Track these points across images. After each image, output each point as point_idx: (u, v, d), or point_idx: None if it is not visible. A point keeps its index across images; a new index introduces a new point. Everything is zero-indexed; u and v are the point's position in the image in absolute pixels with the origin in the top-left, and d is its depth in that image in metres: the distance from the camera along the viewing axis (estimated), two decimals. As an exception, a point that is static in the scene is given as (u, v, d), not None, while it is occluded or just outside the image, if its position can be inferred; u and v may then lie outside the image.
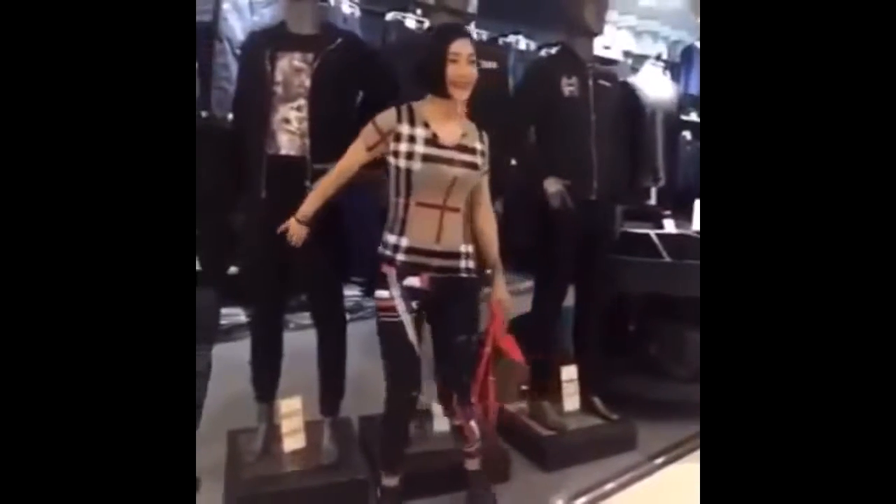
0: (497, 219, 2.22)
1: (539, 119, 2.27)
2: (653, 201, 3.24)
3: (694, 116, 5.69)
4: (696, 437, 2.54)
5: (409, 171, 1.61)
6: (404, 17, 4.06)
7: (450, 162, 1.63)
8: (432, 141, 1.62)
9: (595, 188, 2.26)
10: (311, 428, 2.04)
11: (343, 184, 1.74)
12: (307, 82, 1.84)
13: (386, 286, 1.64)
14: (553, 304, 2.37)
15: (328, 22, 2.06)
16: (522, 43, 4.66)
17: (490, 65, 2.14)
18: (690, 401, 2.62)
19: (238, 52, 3.43)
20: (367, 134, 1.66)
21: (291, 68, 1.85)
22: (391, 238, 1.66)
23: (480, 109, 2.01)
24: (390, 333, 1.65)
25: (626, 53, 5.31)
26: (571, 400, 2.44)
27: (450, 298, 1.68)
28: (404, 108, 1.65)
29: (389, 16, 4.02)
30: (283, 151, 1.84)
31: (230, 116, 2.15)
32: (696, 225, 3.04)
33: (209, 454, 1.92)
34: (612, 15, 3.98)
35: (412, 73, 1.69)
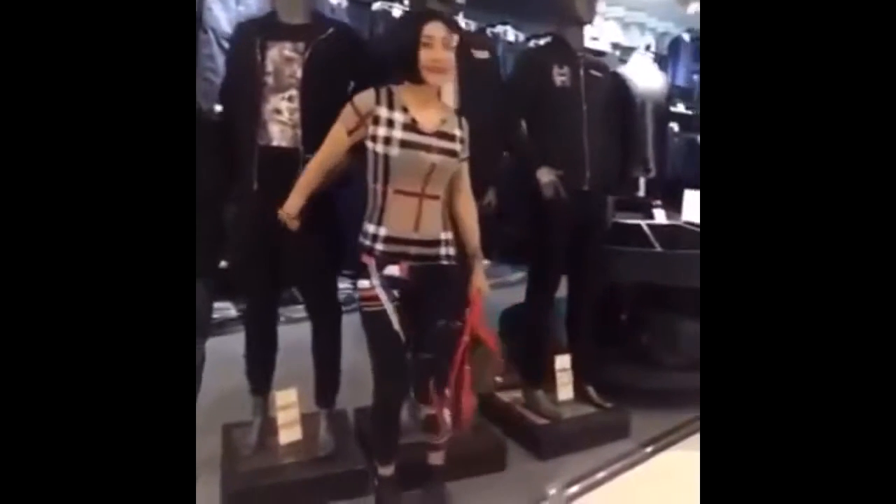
0: (490, 210, 2.24)
1: (531, 109, 2.26)
2: (641, 192, 3.26)
3: (681, 108, 5.73)
4: (688, 424, 2.58)
5: (386, 157, 1.59)
6: (391, 7, 4.04)
7: (428, 148, 1.61)
8: (411, 126, 1.60)
9: (588, 178, 2.27)
10: (306, 420, 2.04)
11: (328, 172, 1.71)
12: (298, 72, 1.82)
13: (367, 276, 1.62)
14: (546, 294, 2.37)
15: (319, 11, 2.03)
16: (510, 34, 4.66)
17: (482, 54, 2.14)
18: (682, 389, 2.68)
19: (223, 42, 3.41)
20: (347, 116, 1.63)
21: (282, 58, 1.83)
22: (370, 228, 1.64)
23: (473, 99, 2.02)
24: (375, 323, 1.63)
25: (614, 45, 5.33)
26: (565, 389, 2.46)
27: (429, 286, 1.66)
28: (384, 90, 1.62)
29: (376, 5, 4.00)
30: (275, 143, 1.82)
31: (216, 108, 2.12)
32: (685, 215, 3.06)
33: (204, 448, 1.90)
34: (600, 6, 3.98)
35: (388, 58, 1.67)
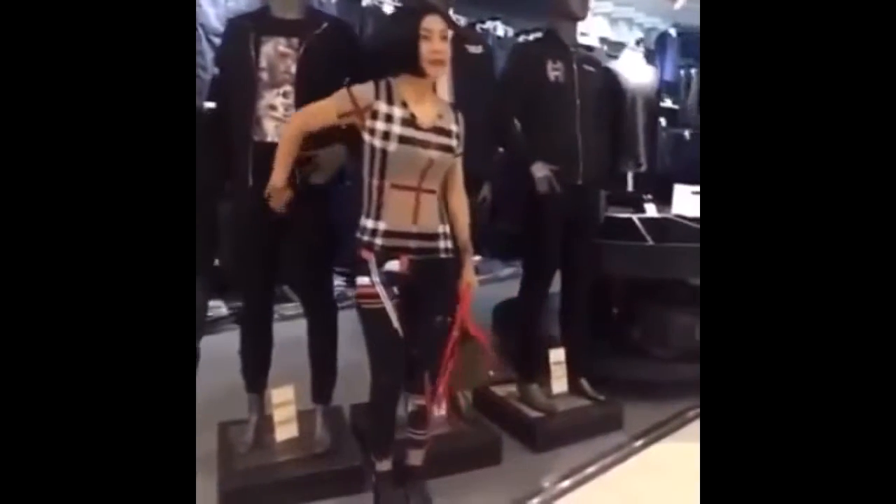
0: (485, 204, 2.25)
1: (525, 104, 2.27)
2: (629, 186, 3.29)
3: (668, 103, 5.78)
4: (680, 415, 2.62)
5: (384, 152, 1.58)
6: (381, 3, 4.02)
7: (426, 144, 1.60)
8: (410, 122, 1.59)
9: (581, 173, 2.28)
10: (302, 417, 2.04)
11: (304, 140, 1.69)
12: (293, 68, 1.81)
13: (366, 272, 1.61)
14: (540, 288, 2.39)
15: (312, 6, 2.02)
16: (500, 29, 4.66)
17: (476, 49, 2.14)
18: (673, 380, 2.72)
19: (212, 38, 3.38)
20: (341, 100, 1.61)
21: (276, 54, 1.82)
22: (368, 223, 1.63)
23: (467, 94, 2.02)
24: (374, 320, 1.62)
25: (603, 40, 5.35)
26: (559, 382, 2.48)
27: (429, 280, 1.66)
28: (383, 84, 1.61)
29: (366, 1, 3.98)
30: (270, 138, 1.81)
31: (206, 104, 2.10)
32: (676, 208, 3.09)
33: (200, 446, 1.89)
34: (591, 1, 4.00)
35: (385, 52, 1.67)
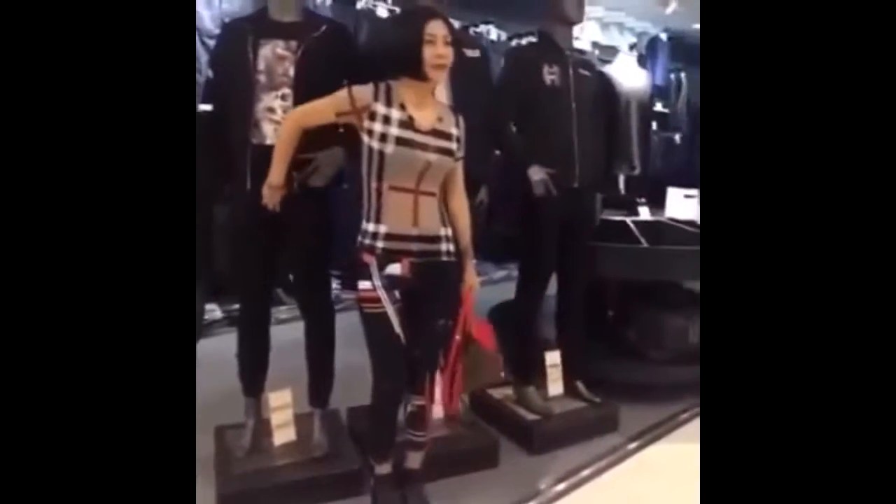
0: (482, 208, 2.26)
1: (521, 107, 2.28)
2: (621, 189, 3.31)
3: (659, 107, 5.83)
4: (676, 416, 2.64)
5: (381, 154, 1.58)
6: (375, 6, 4.03)
7: (424, 147, 1.61)
8: (408, 124, 1.60)
9: (578, 176, 2.30)
10: (299, 420, 2.03)
11: (300, 138, 1.69)
12: (291, 70, 1.81)
13: (368, 276, 1.61)
14: (537, 291, 2.40)
15: (310, 9, 2.02)
16: (493, 33, 4.68)
17: (473, 53, 2.15)
18: (669, 382, 2.74)
19: (206, 41, 3.37)
20: (341, 100, 1.61)
21: (274, 56, 1.81)
22: (369, 226, 1.63)
23: (464, 97, 2.03)
24: (375, 325, 1.63)
25: (594, 44, 5.39)
26: (555, 385, 2.49)
27: (431, 284, 1.66)
28: (382, 85, 1.62)
29: (360, 4, 3.98)
30: (268, 141, 1.80)
31: (200, 106, 2.09)
32: (669, 211, 3.11)
33: (197, 450, 1.89)
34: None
35: (386, 55, 1.67)
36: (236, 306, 2.64)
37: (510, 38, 4.67)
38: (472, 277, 1.77)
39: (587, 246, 2.47)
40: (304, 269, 1.95)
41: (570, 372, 2.51)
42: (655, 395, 2.71)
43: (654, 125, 5.21)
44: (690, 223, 2.95)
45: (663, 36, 5.90)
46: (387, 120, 1.59)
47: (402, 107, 1.61)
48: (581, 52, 4.04)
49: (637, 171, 3.19)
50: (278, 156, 1.70)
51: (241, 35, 1.83)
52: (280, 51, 1.81)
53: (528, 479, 2.11)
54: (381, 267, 1.61)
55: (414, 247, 1.63)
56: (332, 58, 1.86)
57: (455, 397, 1.77)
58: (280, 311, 3.18)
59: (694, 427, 2.58)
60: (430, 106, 1.66)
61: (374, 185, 1.62)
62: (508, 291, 2.55)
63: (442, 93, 1.97)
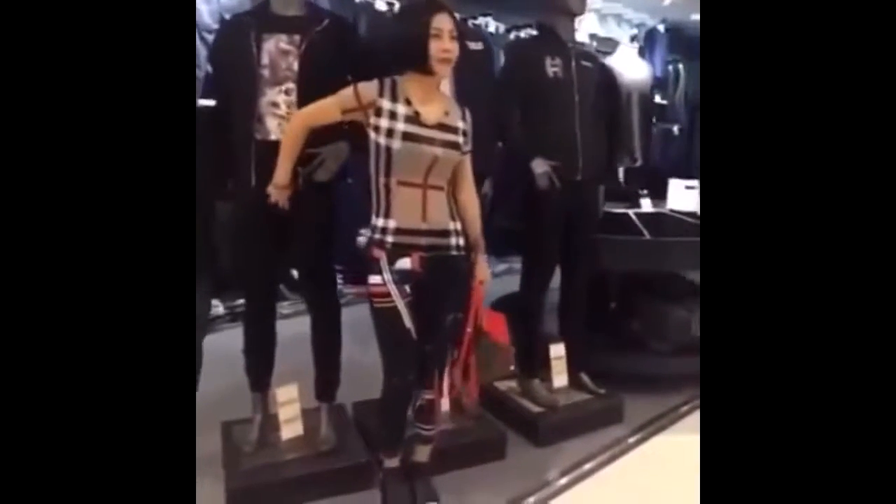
0: (486, 201, 2.25)
1: (524, 100, 2.28)
2: (621, 180, 3.32)
3: (657, 98, 5.82)
4: (679, 407, 2.65)
5: (388, 149, 1.58)
6: (373, 0, 4.00)
7: (431, 141, 1.60)
8: (414, 119, 1.59)
9: (581, 168, 2.30)
10: (306, 415, 2.03)
11: (307, 137, 1.70)
12: (295, 65, 1.80)
13: (378, 271, 1.62)
14: (541, 284, 2.40)
15: (312, 2, 2.00)
16: (492, 25, 4.66)
17: (477, 46, 2.15)
18: (672, 374, 2.75)
19: (204, 35, 3.35)
20: (346, 97, 1.61)
21: (278, 51, 1.80)
22: (379, 221, 1.64)
23: (468, 90, 2.03)
24: (386, 319, 1.63)
25: (592, 36, 5.37)
26: (560, 377, 2.50)
27: (441, 278, 1.66)
28: (387, 81, 1.62)
29: (359, -2, 3.95)
30: (273, 137, 1.80)
31: (200, 102, 2.08)
32: (671, 203, 3.12)
33: (202, 447, 1.88)
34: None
35: (391, 49, 1.66)
36: (238, 302, 2.65)
37: (508, 31, 4.65)
38: (483, 271, 1.77)
39: (591, 238, 2.47)
40: (310, 264, 1.95)
41: (574, 364, 2.52)
42: (659, 386, 2.73)
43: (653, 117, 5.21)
44: (692, 214, 2.95)
45: (661, 27, 5.89)
46: (393, 115, 1.59)
47: (408, 102, 1.60)
48: (583, 44, 4.03)
49: (639, 163, 3.19)
50: (284, 156, 1.70)
51: (243, 30, 1.82)
52: (283, 45, 1.80)
53: (534, 471, 2.12)
54: (392, 261, 1.61)
55: (423, 241, 1.63)
56: (336, 52, 1.85)
57: (474, 391, 1.77)
58: (282, 306, 3.18)
59: (697, 417, 2.59)
60: (436, 100, 1.65)
61: (382, 180, 1.62)
62: (509, 284, 2.55)
63: (445, 85, 1.97)
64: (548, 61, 2.26)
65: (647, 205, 3.02)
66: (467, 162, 1.74)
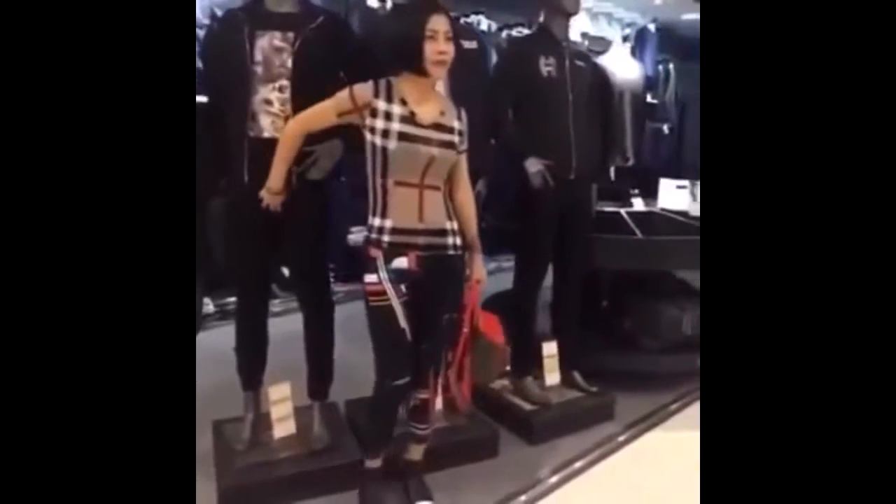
0: (479, 200, 2.25)
1: (518, 99, 2.28)
2: (612, 179, 3.33)
3: (647, 97, 5.85)
4: (670, 405, 2.67)
5: (384, 150, 1.58)
6: (365, -3, 3.98)
7: (426, 141, 1.60)
8: (409, 119, 1.59)
9: (574, 167, 2.30)
10: (298, 413, 2.03)
11: (302, 143, 1.70)
12: (289, 62, 1.78)
13: (374, 270, 1.61)
14: (534, 283, 2.41)
15: (305, -1, 1.99)
16: (484, 23, 4.65)
17: (470, 44, 2.14)
18: (663, 371, 2.77)
19: (197, 32, 3.31)
20: (342, 100, 1.61)
21: (272, 48, 1.79)
22: (376, 221, 1.63)
23: (462, 89, 2.02)
24: (381, 318, 1.62)
25: (583, 35, 5.38)
26: (552, 375, 2.51)
27: (437, 278, 1.66)
28: (382, 82, 1.61)
29: (351, -6, 3.93)
30: (266, 134, 1.78)
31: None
32: (662, 202, 3.14)
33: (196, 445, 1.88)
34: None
35: (386, 49, 1.65)
36: (229, 300, 2.62)
37: (500, 29, 4.65)
38: (479, 270, 1.77)
39: (583, 237, 2.48)
40: (303, 262, 1.94)
41: (566, 362, 2.53)
42: (650, 384, 2.75)
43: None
44: (683, 213, 2.97)
45: (651, 27, 5.91)
46: (388, 116, 1.58)
47: (403, 102, 1.60)
48: (576, 43, 4.04)
49: (631, 162, 3.21)
50: (279, 160, 1.70)
51: (236, 25, 1.80)
52: (277, 42, 1.79)
53: (527, 469, 2.13)
54: (388, 260, 1.61)
55: (420, 240, 1.63)
56: (330, 49, 1.83)
57: (467, 392, 1.78)
58: (273, 305, 3.16)
59: (688, 415, 2.62)
60: (431, 100, 1.65)
61: (378, 180, 1.62)
62: (500, 282, 2.55)
63: (440, 85, 1.96)
64: (542, 60, 2.26)
65: (638, 204, 3.03)
66: (464, 162, 1.74)
